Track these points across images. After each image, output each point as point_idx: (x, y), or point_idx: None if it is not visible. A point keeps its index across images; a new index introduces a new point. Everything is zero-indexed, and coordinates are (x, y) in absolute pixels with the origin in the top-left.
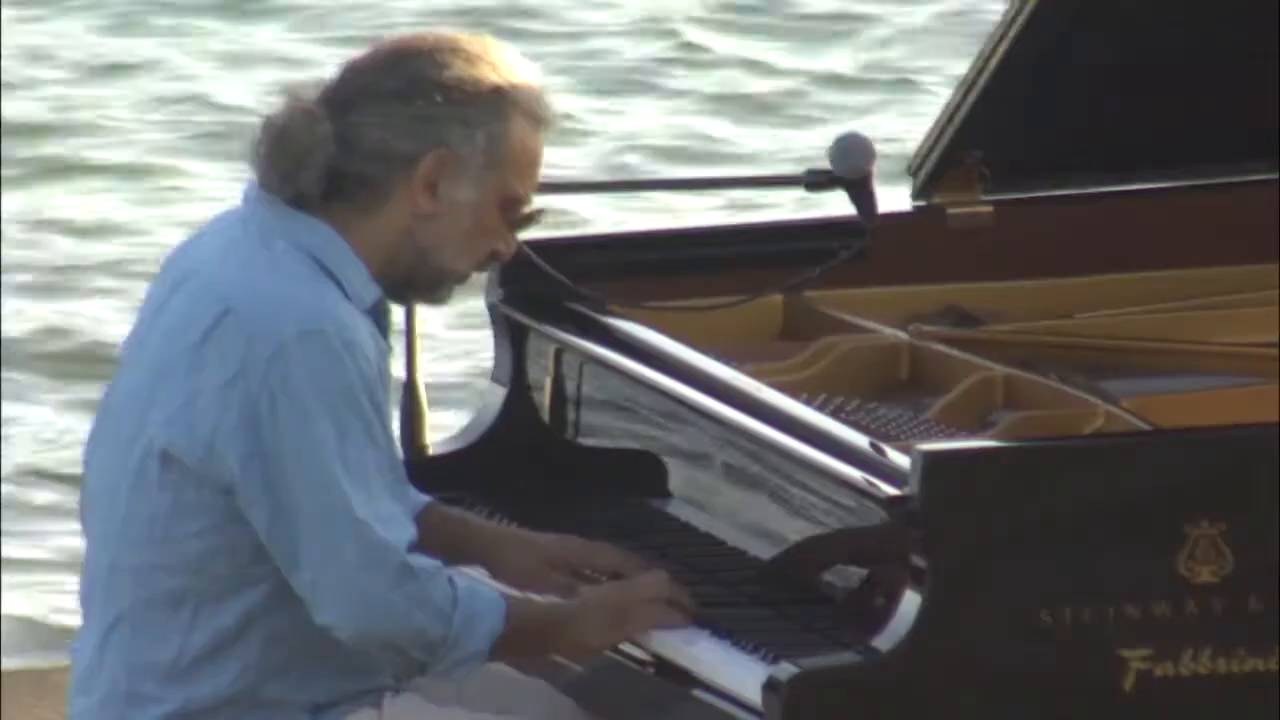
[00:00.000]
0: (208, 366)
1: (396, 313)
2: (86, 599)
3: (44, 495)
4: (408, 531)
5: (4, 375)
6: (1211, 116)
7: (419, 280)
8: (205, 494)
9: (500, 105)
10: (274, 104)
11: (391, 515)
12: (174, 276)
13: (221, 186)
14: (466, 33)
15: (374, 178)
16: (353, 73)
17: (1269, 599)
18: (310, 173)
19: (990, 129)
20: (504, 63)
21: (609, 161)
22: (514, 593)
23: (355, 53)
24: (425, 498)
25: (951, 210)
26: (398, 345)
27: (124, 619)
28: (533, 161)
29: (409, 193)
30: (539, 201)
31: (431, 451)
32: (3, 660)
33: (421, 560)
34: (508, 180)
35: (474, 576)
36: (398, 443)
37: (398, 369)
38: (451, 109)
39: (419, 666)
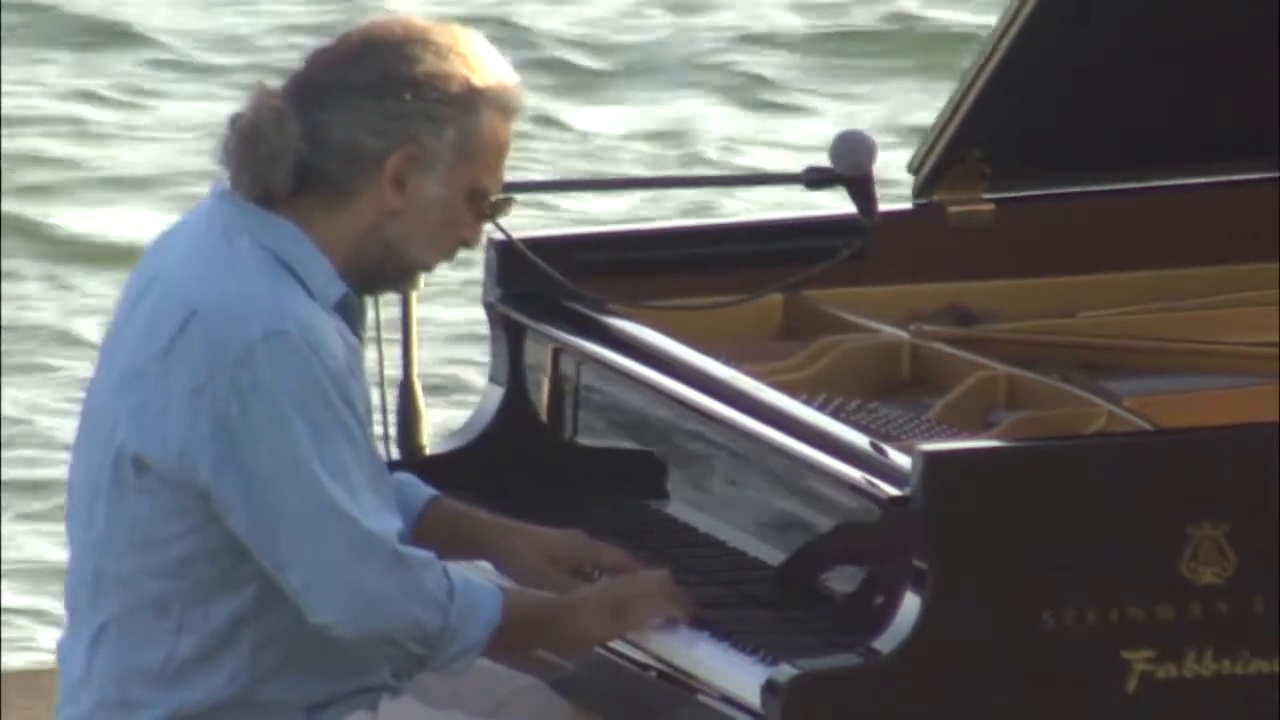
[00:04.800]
0: (176, 373)
1: (395, 310)
2: (71, 605)
3: None
4: (394, 523)
5: None
6: (1212, 115)
7: (387, 272)
8: (183, 497)
9: (470, 100)
10: (242, 100)
11: (375, 508)
12: (145, 278)
13: None
14: (436, 22)
15: (342, 174)
16: (321, 65)
17: (1272, 600)
18: (279, 171)
19: (991, 127)
20: (473, 55)
21: None
22: (513, 587)
23: (323, 41)
24: (430, 490)
25: (952, 208)
26: (396, 346)
27: (111, 625)
28: (500, 153)
29: (377, 189)
30: (505, 191)
31: (429, 451)
32: (2, 661)
33: (413, 551)
34: (476, 173)
35: (469, 570)
36: (381, 441)
37: (395, 368)
38: (421, 105)
39: (418, 661)
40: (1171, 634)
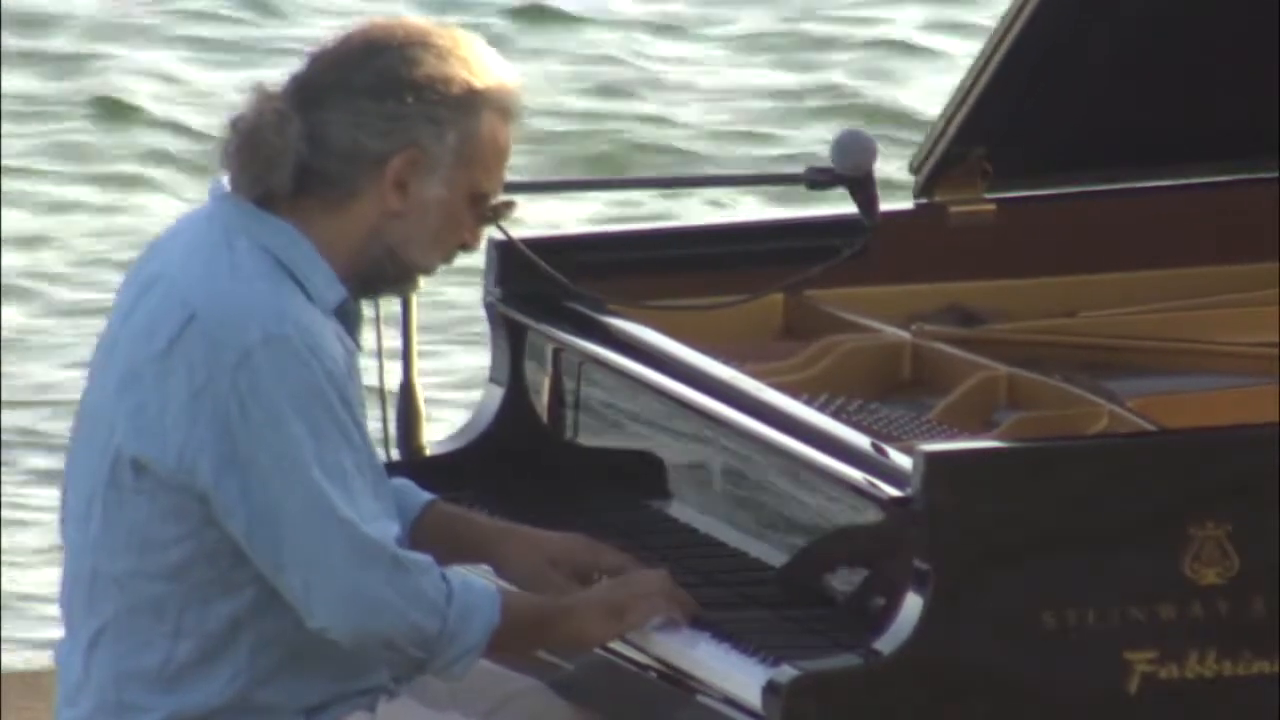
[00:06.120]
0: (175, 376)
1: (394, 308)
2: (67, 609)
3: None
4: (393, 528)
5: None
6: (1213, 115)
7: (387, 275)
8: (181, 499)
9: (471, 103)
10: (243, 101)
11: (375, 513)
12: (143, 279)
13: None
14: (437, 24)
15: (343, 176)
16: (323, 66)
17: (1274, 601)
18: (279, 173)
19: (993, 126)
20: (474, 58)
21: None
22: (512, 589)
23: (324, 42)
24: (428, 495)
25: (954, 208)
26: (394, 347)
27: (108, 628)
28: (501, 156)
29: (378, 191)
30: (507, 194)
31: (429, 452)
32: (2, 663)
33: (412, 555)
34: (477, 176)
35: (467, 571)
36: (380, 444)
37: (396, 367)
38: (422, 108)
39: (417, 664)
40: (1174, 635)
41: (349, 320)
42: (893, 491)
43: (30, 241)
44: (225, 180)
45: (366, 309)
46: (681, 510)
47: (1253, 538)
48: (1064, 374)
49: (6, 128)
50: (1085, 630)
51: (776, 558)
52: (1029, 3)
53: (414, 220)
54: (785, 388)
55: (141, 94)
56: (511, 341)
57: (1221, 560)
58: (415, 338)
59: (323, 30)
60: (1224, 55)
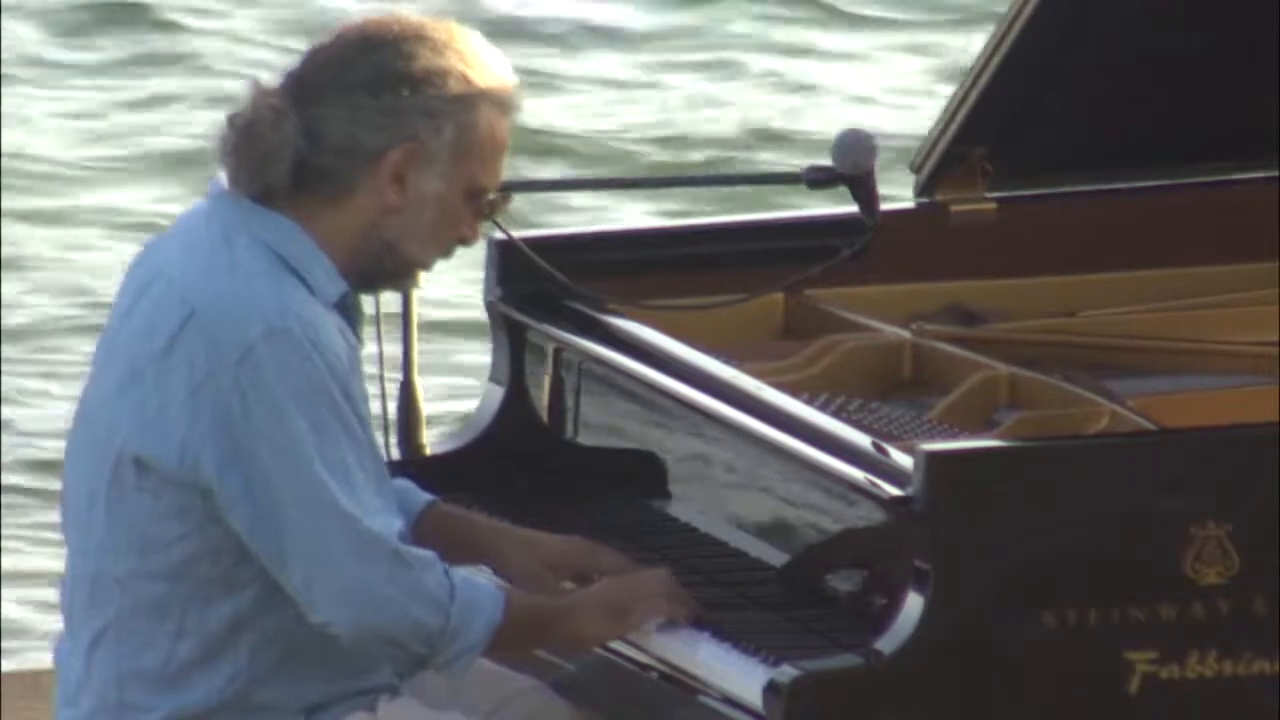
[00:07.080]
0: (176, 373)
1: (393, 307)
2: (68, 609)
3: None
4: (395, 522)
5: None
6: (1213, 115)
7: (385, 270)
8: (184, 497)
9: (467, 96)
10: (240, 99)
11: (378, 508)
12: (142, 278)
13: None
14: (433, 19)
15: (340, 171)
16: (319, 62)
17: (1274, 600)
18: (277, 169)
19: (993, 126)
20: (470, 51)
21: None
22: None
23: (321, 38)
24: (428, 495)
25: (954, 207)
26: (395, 346)
27: (110, 628)
28: (499, 150)
29: (375, 186)
30: (505, 188)
31: (429, 451)
32: (1, 662)
33: (414, 550)
34: (474, 170)
35: (471, 572)
36: (380, 441)
37: (397, 367)
38: (419, 102)
39: (420, 661)
40: (1174, 635)
41: (350, 315)
42: (893, 491)
43: None
44: (223, 178)
45: (366, 305)
46: (681, 509)
47: (1253, 538)
48: (1065, 373)
49: None
50: (1085, 630)
51: (776, 558)
52: (1028, 3)
53: (411, 215)
54: (786, 387)
55: None
56: (512, 341)
57: (1222, 560)
58: (415, 337)
59: None
60: (1223, 55)
